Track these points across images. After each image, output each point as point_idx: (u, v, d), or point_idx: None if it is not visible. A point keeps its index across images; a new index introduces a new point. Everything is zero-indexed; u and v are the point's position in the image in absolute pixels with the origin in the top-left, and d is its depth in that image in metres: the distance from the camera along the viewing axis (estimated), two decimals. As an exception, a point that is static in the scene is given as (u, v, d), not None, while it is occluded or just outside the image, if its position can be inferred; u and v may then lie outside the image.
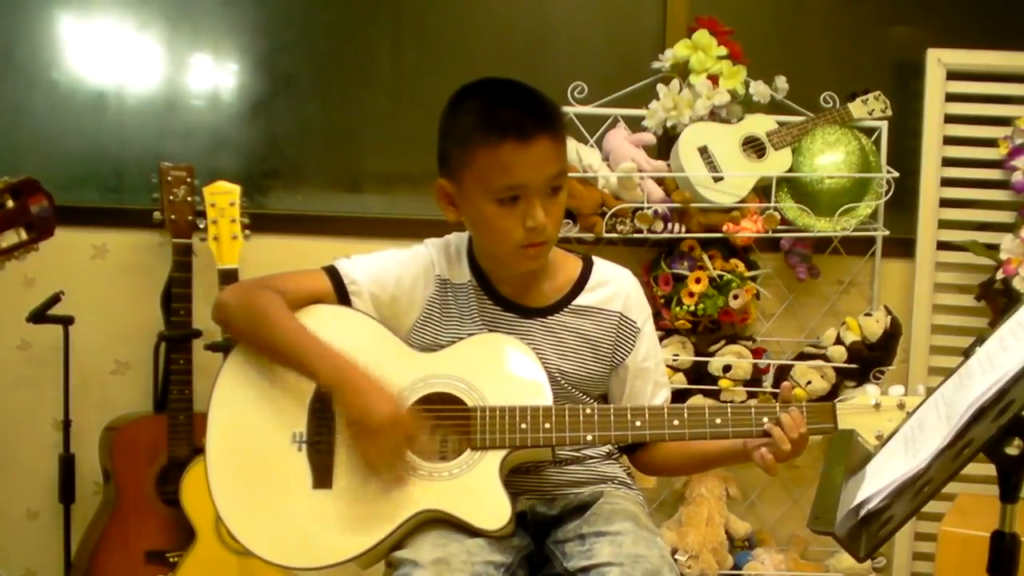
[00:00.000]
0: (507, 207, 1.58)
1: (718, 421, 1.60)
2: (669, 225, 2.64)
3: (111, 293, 2.75)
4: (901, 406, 1.59)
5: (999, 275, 2.68)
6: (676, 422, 1.60)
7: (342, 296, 1.67)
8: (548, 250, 1.66)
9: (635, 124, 2.73)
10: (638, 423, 1.60)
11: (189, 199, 2.58)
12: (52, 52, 2.84)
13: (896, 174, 2.69)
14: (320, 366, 1.56)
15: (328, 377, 1.56)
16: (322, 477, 1.59)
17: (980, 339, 1.19)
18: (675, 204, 2.63)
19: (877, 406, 1.59)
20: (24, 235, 1.73)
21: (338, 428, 1.60)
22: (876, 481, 1.15)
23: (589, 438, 1.60)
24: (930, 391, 1.27)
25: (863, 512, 1.14)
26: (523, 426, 1.58)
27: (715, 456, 1.71)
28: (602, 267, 1.77)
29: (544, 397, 1.60)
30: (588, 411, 1.60)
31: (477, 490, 1.56)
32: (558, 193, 1.61)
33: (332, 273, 1.68)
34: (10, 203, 1.71)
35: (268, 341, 1.62)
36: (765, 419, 1.59)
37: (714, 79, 2.67)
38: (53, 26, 2.84)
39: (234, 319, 1.66)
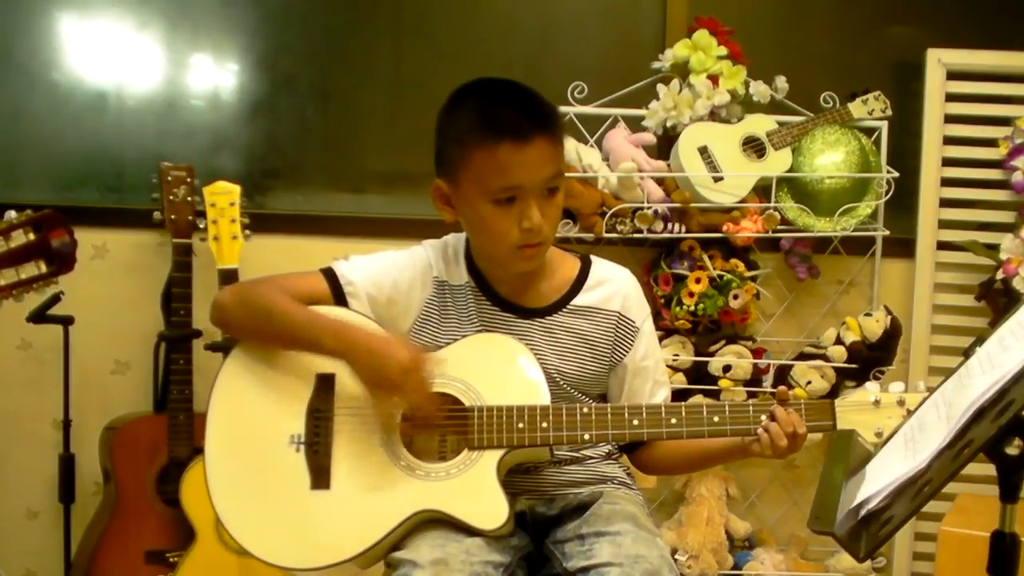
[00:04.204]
0: (503, 208, 1.58)
1: (716, 419, 1.60)
2: (669, 225, 2.64)
3: (111, 293, 2.75)
4: (901, 403, 1.58)
5: (999, 275, 2.68)
6: (674, 420, 1.60)
7: (338, 297, 1.67)
8: (545, 251, 1.66)
9: (635, 124, 2.73)
10: (635, 422, 1.60)
11: (189, 199, 2.58)
12: (52, 52, 2.84)
13: (896, 174, 2.69)
14: (325, 338, 1.57)
15: (335, 346, 1.57)
16: (320, 478, 1.59)
17: (980, 339, 1.19)
18: (675, 204, 2.63)
19: (877, 403, 1.59)
20: (44, 268, 1.74)
21: (335, 430, 1.60)
22: (876, 481, 1.15)
23: (587, 437, 1.60)
24: (930, 390, 1.27)
25: (863, 512, 1.14)
26: (520, 425, 1.58)
27: (714, 454, 1.71)
28: (600, 266, 1.76)
29: (541, 396, 1.60)
30: (585, 410, 1.60)
31: (474, 490, 1.56)
32: (555, 194, 1.61)
33: (328, 275, 1.68)
34: (31, 235, 1.72)
35: (269, 327, 1.62)
36: (763, 417, 1.59)
37: (714, 79, 2.67)
38: (53, 26, 2.84)
39: (233, 315, 1.66)
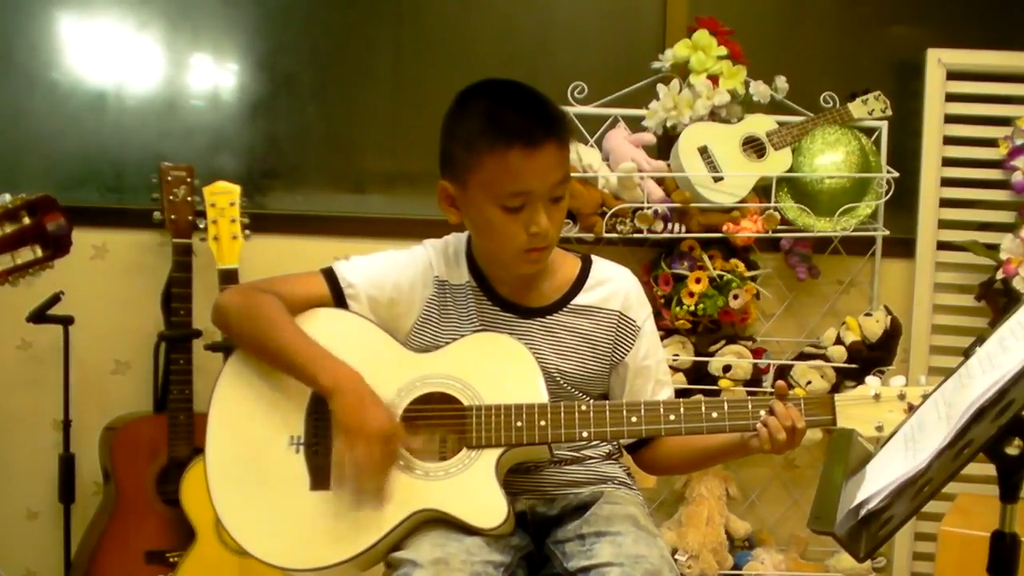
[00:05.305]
0: (512, 213, 1.57)
1: (714, 415, 1.60)
2: (669, 225, 2.64)
3: (111, 293, 2.75)
4: (902, 397, 1.57)
5: (999, 275, 2.68)
6: (672, 417, 1.60)
7: (338, 299, 1.67)
8: (549, 253, 1.66)
9: (635, 124, 2.73)
10: (634, 419, 1.60)
11: (189, 199, 2.58)
12: (52, 52, 2.84)
13: (896, 174, 2.69)
14: (320, 373, 1.57)
15: (327, 384, 1.56)
16: (319, 479, 1.59)
17: (980, 339, 1.19)
18: (675, 204, 2.63)
19: (877, 397, 1.58)
20: (40, 252, 1.73)
21: (334, 432, 1.60)
22: (876, 481, 1.15)
23: (585, 435, 1.60)
24: (931, 385, 1.27)
25: (863, 512, 1.14)
26: (518, 424, 1.58)
27: (715, 451, 1.71)
28: (601, 266, 1.76)
29: (540, 395, 1.60)
30: (583, 408, 1.60)
31: (473, 489, 1.56)
32: (561, 198, 1.61)
33: (329, 276, 1.68)
34: (26, 219, 1.71)
35: (268, 346, 1.62)
36: (761, 412, 1.59)
37: (714, 79, 2.68)
38: (53, 26, 2.84)
39: (233, 322, 1.66)
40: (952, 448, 1.09)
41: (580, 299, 1.72)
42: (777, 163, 2.67)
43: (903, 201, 2.79)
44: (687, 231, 2.65)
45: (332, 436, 1.59)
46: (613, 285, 1.74)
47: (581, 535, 1.58)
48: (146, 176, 2.62)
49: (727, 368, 2.67)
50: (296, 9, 2.95)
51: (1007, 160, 2.77)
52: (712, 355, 2.70)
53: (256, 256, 2.61)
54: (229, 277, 2.51)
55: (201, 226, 2.57)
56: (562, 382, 1.68)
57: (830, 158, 2.65)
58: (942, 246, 2.85)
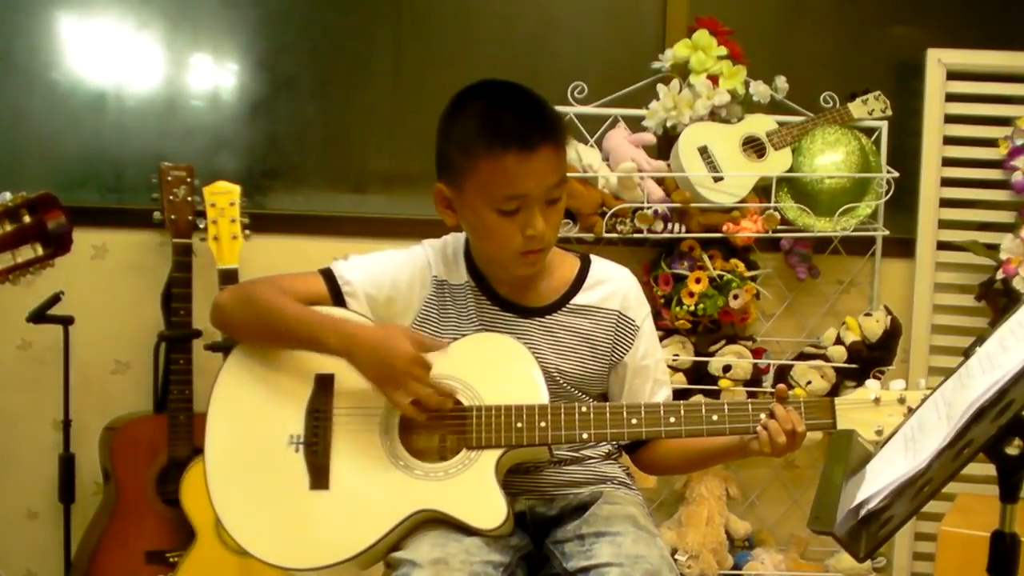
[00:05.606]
0: (507, 216, 1.57)
1: (715, 418, 1.60)
2: (669, 225, 2.64)
3: (111, 293, 2.75)
4: (901, 401, 1.58)
5: (999, 275, 2.68)
6: (672, 419, 1.60)
7: (336, 297, 1.67)
8: (546, 255, 1.66)
9: (635, 124, 2.73)
10: (634, 421, 1.60)
11: (189, 199, 2.58)
12: (51, 52, 2.84)
13: (896, 174, 2.69)
14: (327, 336, 1.57)
15: (337, 344, 1.57)
16: (319, 478, 1.59)
17: (980, 339, 1.19)
18: (675, 204, 2.63)
19: (877, 401, 1.59)
20: (40, 250, 1.73)
21: (334, 430, 1.61)
22: (876, 481, 1.15)
23: (585, 436, 1.60)
24: (931, 390, 1.27)
25: (863, 512, 1.14)
26: (519, 425, 1.58)
27: (714, 453, 1.71)
28: (600, 266, 1.76)
29: (540, 396, 1.60)
30: (584, 409, 1.60)
31: (473, 489, 1.56)
32: (558, 200, 1.61)
33: (327, 275, 1.68)
34: (27, 218, 1.70)
35: (270, 327, 1.62)
36: (762, 415, 1.59)
37: (714, 79, 2.68)
38: (53, 26, 2.84)
39: (233, 316, 1.67)
40: (952, 448, 1.09)
41: (579, 299, 1.72)
42: (777, 163, 2.67)
43: (903, 201, 2.79)
44: (687, 231, 2.65)
45: (333, 435, 1.59)
46: (612, 285, 1.74)
47: (580, 535, 1.58)
48: (146, 176, 2.62)
49: (727, 368, 2.67)
50: (296, 9, 2.95)
51: (1007, 160, 2.77)
52: (712, 355, 2.70)
53: (256, 256, 2.61)
54: (229, 277, 2.51)
55: (201, 226, 2.57)
56: (561, 381, 1.68)
57: (830, 158, 2.65)
58: (942, 246, 2.84)
